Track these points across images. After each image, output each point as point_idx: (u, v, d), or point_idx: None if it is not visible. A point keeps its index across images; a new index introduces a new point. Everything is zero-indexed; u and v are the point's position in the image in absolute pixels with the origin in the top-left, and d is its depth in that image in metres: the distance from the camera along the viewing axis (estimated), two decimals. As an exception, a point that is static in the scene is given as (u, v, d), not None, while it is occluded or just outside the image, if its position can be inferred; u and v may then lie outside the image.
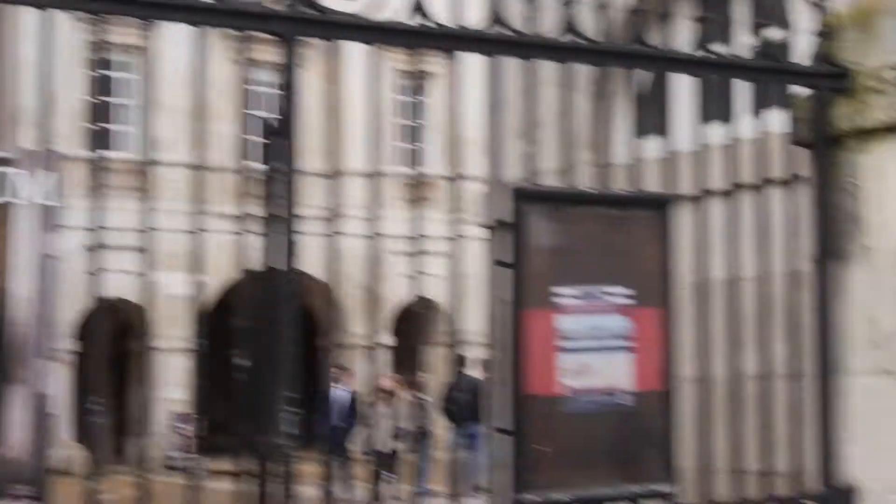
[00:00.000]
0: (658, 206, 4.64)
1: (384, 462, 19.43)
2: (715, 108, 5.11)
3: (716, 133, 5.01)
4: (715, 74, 4.88)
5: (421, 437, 19.48)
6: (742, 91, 5.71)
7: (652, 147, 5.08)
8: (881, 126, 4.93)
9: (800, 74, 5.03)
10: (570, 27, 4.52)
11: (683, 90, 5.78)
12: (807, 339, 5.07)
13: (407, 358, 28.75)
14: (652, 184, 4.90)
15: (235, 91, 23.24)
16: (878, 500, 4.95)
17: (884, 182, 4.96)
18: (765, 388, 4.97)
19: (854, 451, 5.04)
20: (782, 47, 5.35)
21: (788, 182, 5.05)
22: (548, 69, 4.65)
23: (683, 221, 4.85)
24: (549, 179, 5.32)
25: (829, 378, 5.05)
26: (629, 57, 4.67)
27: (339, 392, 19.90)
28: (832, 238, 5.08)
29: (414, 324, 29.35)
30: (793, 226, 5.06)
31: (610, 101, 5.10)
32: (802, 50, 5.28)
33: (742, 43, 5.15)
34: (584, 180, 5.29)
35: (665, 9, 5.39)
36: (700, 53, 4.78)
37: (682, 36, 4.84)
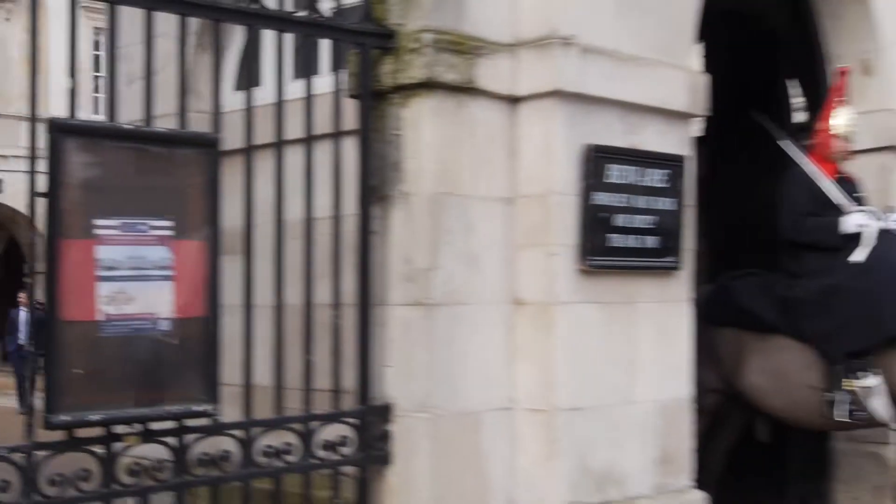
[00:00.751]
0: (202, 145, 4.51)
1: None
2: (302, 64, 5.02)
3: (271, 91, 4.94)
4: (264, 26, 4.78)
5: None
6: (321, 49, 5.68)
7: (241, 99, 4.98)
8: (418, 83, 4.99)
9: (348, 32, 5.00)
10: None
11: (268, 46, 5.69)
12: (350, 275, 5.10)
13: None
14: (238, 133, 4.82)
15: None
16: (409, 415, 5.08)
17: (420, 133, 5.03)
18: (310, 317, 4.97)
19: (390, 374, 5.13)
20: (354, 9, 5.29)
21: (337, 134, 5.02)
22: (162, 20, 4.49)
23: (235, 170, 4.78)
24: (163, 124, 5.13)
25: (369, 309, 5.11)
26: (179, 4, 4.48)
27: (24, 314, 20.24)
28: (375, 184, 5.11)
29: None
30: (339, 173, 5.05)
31: (213, 54, 4.90)
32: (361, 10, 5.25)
33: (323, 6, 5.05)
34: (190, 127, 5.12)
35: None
36: (251, 6, 4.65)
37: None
